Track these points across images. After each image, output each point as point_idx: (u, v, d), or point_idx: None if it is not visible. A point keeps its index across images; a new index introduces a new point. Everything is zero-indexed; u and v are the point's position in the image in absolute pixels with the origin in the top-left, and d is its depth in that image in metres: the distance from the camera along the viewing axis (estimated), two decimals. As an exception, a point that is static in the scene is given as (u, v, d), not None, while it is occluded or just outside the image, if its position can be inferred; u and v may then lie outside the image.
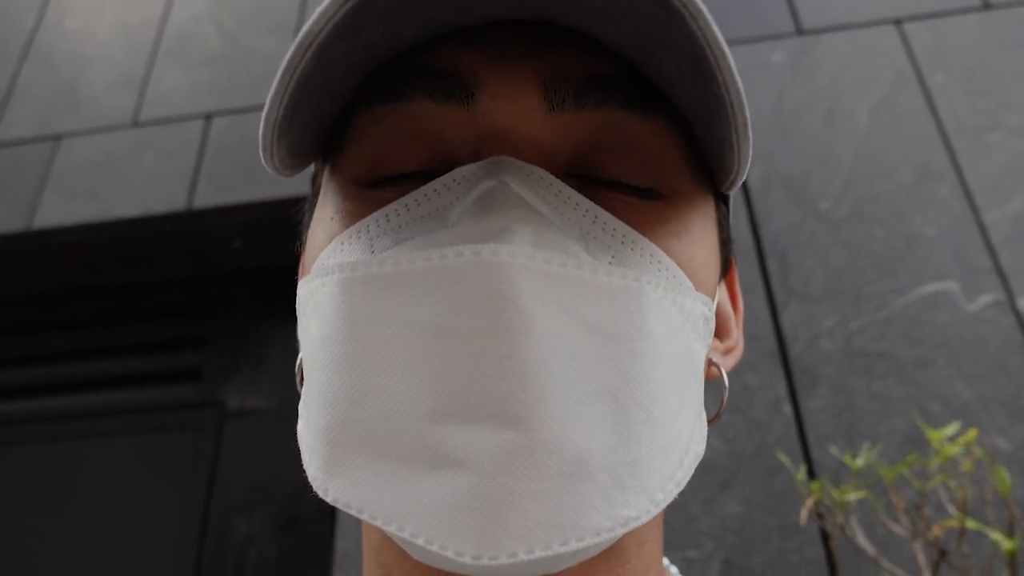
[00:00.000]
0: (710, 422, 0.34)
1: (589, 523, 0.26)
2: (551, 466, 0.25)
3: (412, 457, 0.26)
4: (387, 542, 0.34)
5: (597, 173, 0.31)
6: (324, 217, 0.34)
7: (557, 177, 0.30)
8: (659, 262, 0.30)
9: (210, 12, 1.72)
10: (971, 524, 0.74)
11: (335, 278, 0.28)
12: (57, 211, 1.47)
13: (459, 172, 0.29)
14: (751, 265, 1.19)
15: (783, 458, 0.96)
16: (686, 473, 0.29)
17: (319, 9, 0.27)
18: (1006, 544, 0.70)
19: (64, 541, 1.33)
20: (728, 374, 0.37)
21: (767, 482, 1.03)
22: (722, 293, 0.39)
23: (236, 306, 1.50)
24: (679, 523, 1.02)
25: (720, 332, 0.38)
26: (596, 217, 0.29)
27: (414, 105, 0.31)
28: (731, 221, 1.18)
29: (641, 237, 0.30)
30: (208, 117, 1.54)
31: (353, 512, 0.27)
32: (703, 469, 1.05)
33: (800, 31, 1.42)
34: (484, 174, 0.29)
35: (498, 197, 0.28)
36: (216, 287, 1.54)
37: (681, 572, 0.99)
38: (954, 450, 0.78)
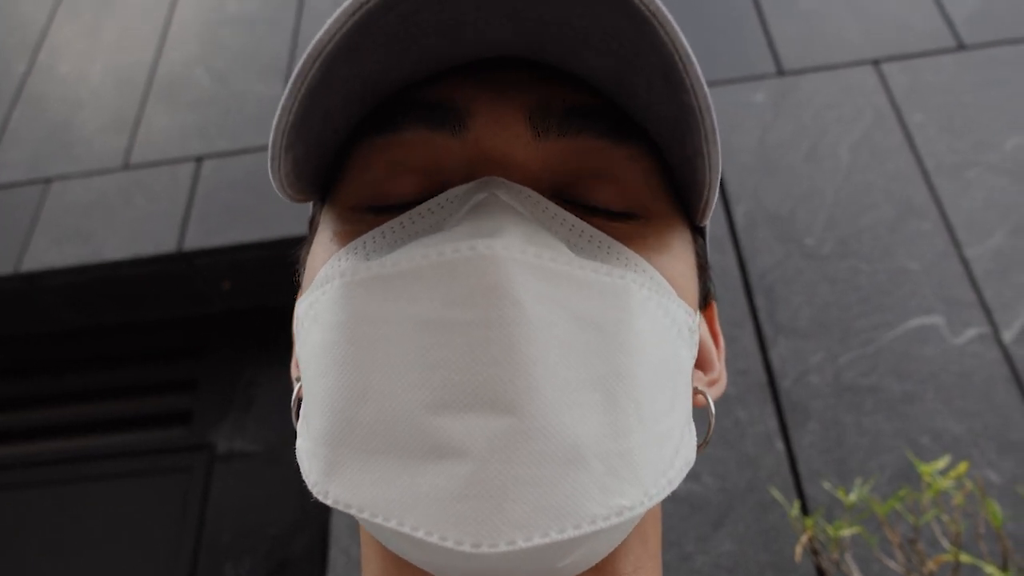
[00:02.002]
0: (699, 447, 0.35)
1: (586, 511, 0.26)
2: (547, 452, 0.26)
3: (411, 451, 0.27)
4: (387, 568, 0.34)
5: (579, 198, 0.33)
6: (323, 240, 0.35)
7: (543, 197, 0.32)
8: (643, 269, 0.31)
9: (201, 55, 1.74)
10: (965, 558, 0.74)
11: (335, 284, 0.30)
12: (47, 254, 1.47)
13: (453, 191, 0.31)
14: (739, 301, 1.20)
15: (776, 494, 0.96)
16: (678, 473, 0.30)
17: (327, 22, 0.28)
18: (1000, 578, 0.70)
19: (48, 590, 1.30)
20: (714, 403, 0.38)
21: (760, 518, 1.02)
22: (703, 328, 0.40)
23: (226, 347, 1.50)
24: (673, 562, 1.01)
25: (703, 365, 0.39)
26: (582, 231, 0.31)
27: (410, 135, 0.33)
28: (718, 259, 1.19)
29: (624, 247, 0.31)
30: (199, 160, 1.55)
31: (354, 512, 0.28)
32: (695, 506, 1.05)
33: (781, 72, 1.45)
34: (476, 189, 0.30)
35: (490, 205, 0.29)
36: (206, 329, 1.53)
37: (677, 612, 0.98)
38: (946, 484, 0.78)
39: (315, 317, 0.31)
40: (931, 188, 1.27)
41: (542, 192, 0.32)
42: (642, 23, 0.27)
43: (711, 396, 0.38)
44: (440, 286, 0.27)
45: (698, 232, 0.38)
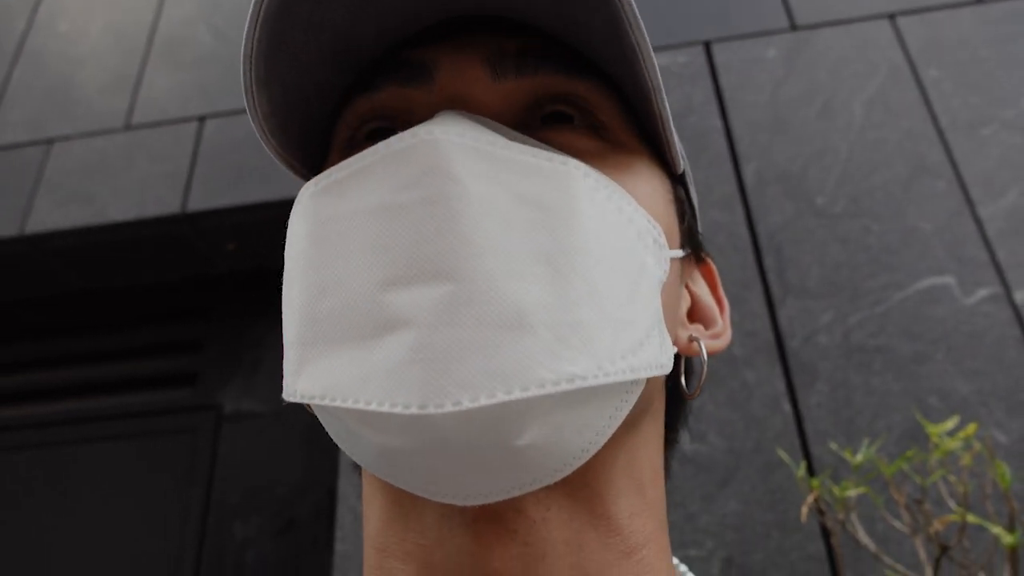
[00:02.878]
0: (690, 396, 0.38)
1: (533, 374, 0.26)
2: (491, 316, 0.27)
3: (365, 331, 0.28)
4: (385, 524, 0.35)
5: (544, 121, 0.35)
6: None
7: None
8: (600, 181, 0.32)
9: (201, 14, 1.71)
10: (972, 518, 0.74)
11: (304, 198, 0.32)
12: (50, 215, 1.46)
13: (415, 127, 0.32)
14: (748, 261, 1.19)
15: (783, 455, 0.96)
16: (644, 366, 0.30)
17: None
18: (1007, 538, 0.70)
19: (62, 546, 1.32)
20: (711, 358, 0.39)
21: (766, 479, 1.02)
22: (701, 287, 0.41)
23: (231, 309, 1.50)
24: (679, 521, 1.02)
25: (705, 322, 0.40)
26: (537, 146, 0.32)
27: (385, 92, 0.35)
28: (726, 217, 1.17)
29: (583, 163, 0.32)
30: (201, 119, 1.53)
31: (318, 401, 0.29)
32: (701, 466, 1.05)
33: (794, 27, 1.42)
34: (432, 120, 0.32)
35: (439, 115, 0.31)
36: (210, 290, 1.53)
37: (682, 570, 0.98)
38: (954, 444, 0.78)
39: (289, 235, 0.33)
40: (945, 146, 1.24)
41: (508, 125, 0.34)
42: None
43: (710, 347, 0.38)
44: (389, 175, 0.29)
45: (677, 181, 0.39)
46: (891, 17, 1.39)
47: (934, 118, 1.27)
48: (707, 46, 1.42)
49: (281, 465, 1.32)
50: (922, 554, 0.80)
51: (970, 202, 1.18)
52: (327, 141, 0.39)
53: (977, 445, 0.81)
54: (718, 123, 1.32)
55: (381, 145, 0.29)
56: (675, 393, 0.40)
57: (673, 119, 1.27)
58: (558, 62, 0.35)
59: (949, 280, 1.13)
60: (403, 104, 0.35)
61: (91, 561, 1.29)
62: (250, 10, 0.31)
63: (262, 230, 1.43)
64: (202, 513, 1.30)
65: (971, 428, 0.78)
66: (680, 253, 0.36)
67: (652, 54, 0.32)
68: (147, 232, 1.44)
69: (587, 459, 0.30)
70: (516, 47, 0.35)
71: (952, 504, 0.82)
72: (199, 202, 1.42)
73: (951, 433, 0.82)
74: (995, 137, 1.23)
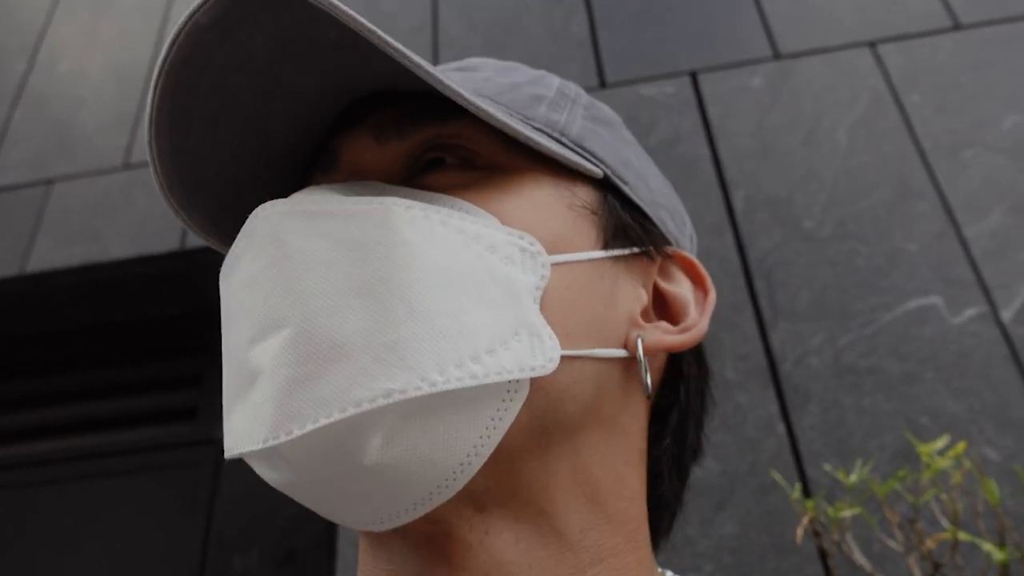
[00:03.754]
0: (648, 399, 0.38)
1: (351, 396, 0.29)
2: (313, 351, 0.30)
3: (243, 387, 0.32)
4: (364, 551, 0.37)
5: (423, 170, 0.38)
6: None
7: None
8: (442, 201, 0.35)
9: (199, 53, 1.74)
10: (963, 536, 0.75)
11: (220, 287, 0.36)
12: (51, 254, 1.48)
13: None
14: (739, 285, 1.21)
15: (777, 477, 0.97)
16: (490, 371, 0.31)
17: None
18: (998, 555, 0.71)
19: (61, 585, 1.32)
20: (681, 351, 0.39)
21: (761, 501, 1.03)
22: (676, 282, 0.41)
23: (230, 343, 1.51)
24: (677, 545, 1.02)
25: (674, 316, 0.40)
26: (389, 189, 0.36)
27: (313, 181, 0.40)
28: (717, 244, 1.19)
29: (430, 192, 0.36)
30: (199, 156, 1.56)
31: (230, 455, 0.33)
32: (698, 490, 1.06)
33: (778, 55, 1.45)
34: None
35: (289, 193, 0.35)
36: (209, 325, 1.54)
37: (680, 594, 0.99)
38: (944, 463, 0.79)
39: None
40: (928, 169, 1.27)
41: (393, 181, 0.38)
42: (354, 36, 0.33)
43: (674, 342, 0.38)
44: (247, 249, 0.33)
45: (603, 186, 0.40)
46: (872, 45, 1.43)
47: (917, 142, 1.30)
48: (693, 76, 1.45)
49: (280, 497, 1.32)
50: (916, 573, 0.81)
51: (955, 223, 1.21)
52: None
53: (967, 463, 0.83)
54: (706, 151, 1.35)
55: (243, 228, 0.34)
56: (661, 400, 0.40)
57: (662, 148, 1.30)
58: (431, 115, 0.38)
59: (936, 300, 1.15)
60: None
61: (92, 598, 1.29)
62: (147, 150, 0.36)
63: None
64: (202, 546, 1.30)
65: (960, 446, 0.79)
66: (597, 254, 0.37)
67: (441, 78, 0.33)
68: (147, 269, 1.45)
69: (472, 474, 0.31)
70: (393, 113, 0.38)
71: (944, 522, 0.83)
72: (197, 239, 1.43)
73: (941, 452, 0.84)
74: (977, 159, 1.26)
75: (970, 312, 1.13)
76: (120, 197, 1.54)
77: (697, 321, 0.39)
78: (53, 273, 1.46)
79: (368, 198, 0.33)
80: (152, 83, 0.34)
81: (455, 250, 0.32)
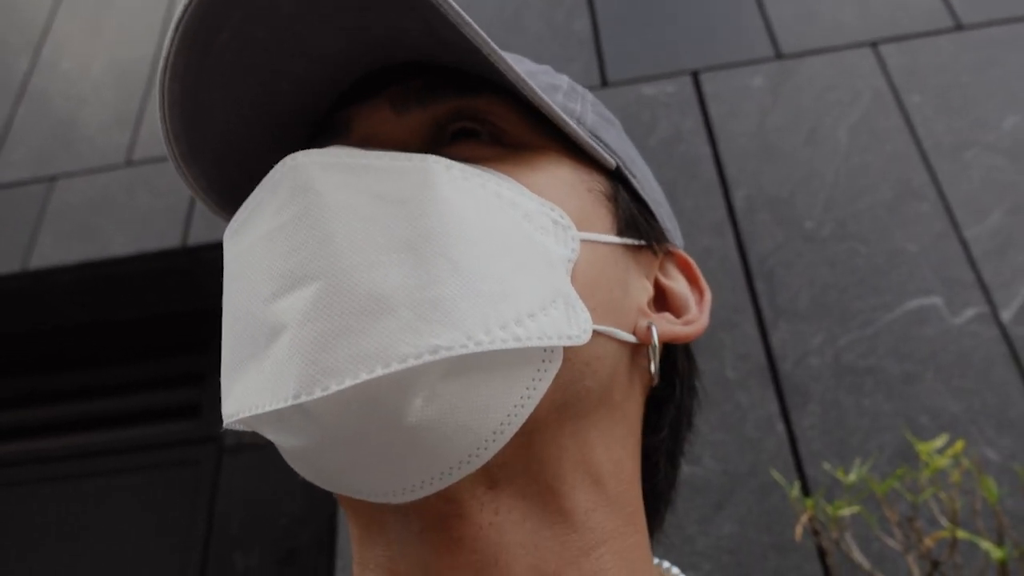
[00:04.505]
0: (651, 383, 0.38)
1: (395, 351, 0.28)
2: (353, 306, 0.28)
3: (260, 344, 0.30)
4: (359, 540, 0.36)
5: (451, 139, 0.37)
6: None
7: None
8: (463, 167, 0.33)
9: (201, 52, 1.75)
10: (962, 534, 0.75)
11: (224, 242, 0.35)
12: (53, 251, 1.48)
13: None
14: (739, 286, 1.21)
15: (777, 476, 0.97)
16: (536, 335, 0.30)
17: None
18: (996, 553, 0.72)
19: (63, 581, 1.32)
20: (677, 343, 0.40)
21: (761, 500, 1.04)
22: (675, 279, 0.41)
23: (232, 340, 1.51)
24: (676, 544, 1.02)
25: (675, 311, 0.40)
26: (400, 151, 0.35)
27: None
28: (718, 243, 1.19)
29: (467, 164, 0.34)
30: (201, 154, 1.56)
31: (235, 419, 0.31)
32: (697, 489, 1.06)
33: (780, 55, 1.45)
34: None
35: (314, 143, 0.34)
36: (212, 323, 1.54)
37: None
38: (943, 462, 0.79)
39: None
40: (929, 169, 1.27)
41: (415, 149, 0.36)
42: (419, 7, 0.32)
43: (679, 333, 0.38)
44: (269, 203, 0.32)
45: (614, 177, 0.40)
46: (873, 45, 1.43)
47: (918, 142, 1.30)
48: (695, 76, 1.45)
49: (282, 496, 1.33)
50: (915, 571, 0.81)
51: (955, 224, 1.21)
52: None
53: (966, 462, 0.83)
54: (707, 151, 1.35)
55: (263, 180, 0.33)
56: (657, 393, 0.40)
57: (663, 147, 1.30)
58: (457, 87, 0.37)
59: (936, 300, 1.15)
60: None
61: (93, 595, 1.30)
62: (156, 95, 0.35)
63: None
64: (203, 544, 1.30)
65: (959, 445, 0.79)
66: (613, 239, 0.37)
67: (503, 55, 0.33)
68: (149, 266, 1.46)
69: (505, 442, 0.30)
70: (414, 84, 0.37)
71: (943, 521, 0.83)
72: (200, 236, 1.44)
73: (940, 451, 0.84)
74: (977, 160, 1.26)
75: (970, 312, 1.13)
76: (122, 194, 1.54)
77: (698, 316, 0.40)
78: (55, 270, 1.46)
79: (408, 155, 0.32)
80: (174, 23, 0.32)
81: (494, 213, 0.32)
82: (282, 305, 0.29)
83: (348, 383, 0.27)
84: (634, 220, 0.39)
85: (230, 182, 0.39)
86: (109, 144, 1.64)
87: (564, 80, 0.42)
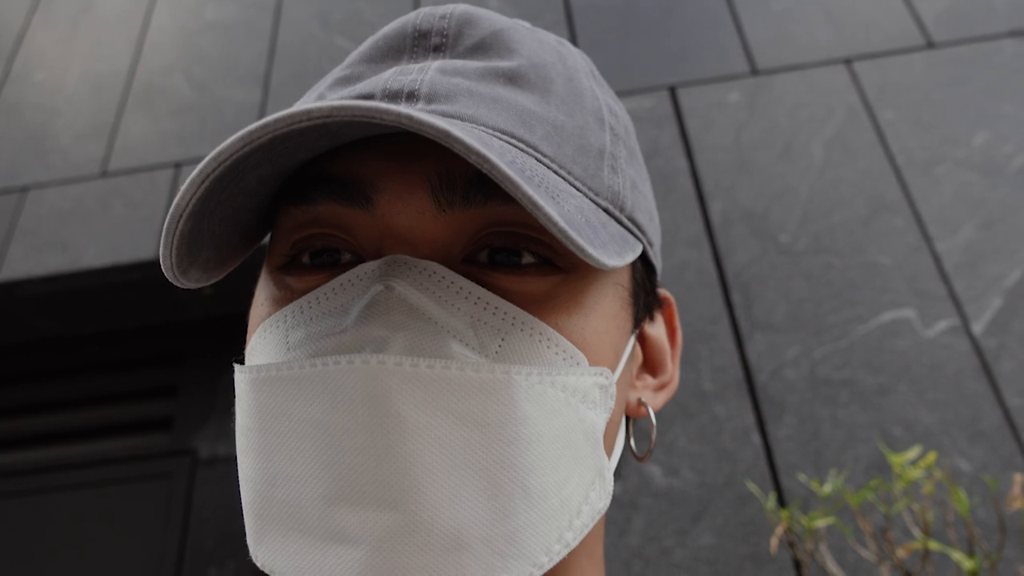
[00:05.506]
0: (640, 459, 0.39)
1: None
2: (431, 542, 0.29)
3: (316, 533, 0.30)
4: None
5: (492, 258, 0.34)
6: (257, 302, 0.38)
7: (452, 269, 0.33)
8: (548, 339, 0.33)
9: (179, 63, 1.74)
10: (934, 545, 0.76)
11: (247, 377, 0.33)
12: (25, 262, 1.46)
13: (360, 269, 0.33)
14: (716, 298, 1.22)
15: (753, 488, 0.97)
16: (577, 533, 0.32)
17: (191, 176, 0.29)
18: (967, 564, 0.72)
19: (31, 599, 1.29)
20: (656, 411, 0.40)
21: (738, 511, 1.04)
22: (657, 328, 0.42)
23: (206, 354, 1.50)
24: (654, 556, 1.02)
25: (654, 368, 0.41)
26: (487, 303, 0.32)
27: (323, 209, 0.34)
28: (694, 256, 1.20)
29: (531, 317, 0.33)
30: (177, 166, 1.55)
31: None
32: (675, 501, 1.06)
33: (755, 71, 1.47)
34: (378, 275, 0.32)
35: (382, 304, 0.31)
36: (186, 335, 1.53)
37: (657, 605, 0.99)
38: (916, 474, 0.80)
39: (238, 396, 0.34)
40: (902, 184, 1.29)
41: (453, 262, 0.33)
42: None
43: (656, 403, 0.40)
44: (328, 394, 0.30)
45: (641, 259, 0.40)
46: (847, 62, 1.45)
47: (891, 158, 1.32)
48: (672, 91, 1.47)
49: (256, 509, 1.31)
50: (889, 582, 0.81)
51: (927, 238, 1.23)
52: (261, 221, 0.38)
53: (938, 473, 0.84)
54: (684, 164, 1.37)
55: (319, 360, 0.30)
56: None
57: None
58: (503, 191, 0.32)
59: (909, 313, 1.16)
60: (342, 222, 0.34)
61: (61, 613, 1.27)
62: (164, 234, 0.30)
63: (238, 275, 1.43)
64: (177, 559, 1.28)
65: (931, 457, 0.80)
66: (631, 342, 0.37)
67: (563, 227, 0.28)
68: (123, 278, 1.44)
69: None
70: (465, 173, 0.32)
71: (916, 532, 0.84)
72: (175, 247, 1.43)
73: (913, 463, 0.85)
74: (949, 175, 1.28)
75: (942, 325, 1.15)
76: (96, 205, 1.53)
77: (672, 375, 0.41)
78: (26, 281, 1.44)
79: (490, 365, 0.30)
80: (203, 169, 0.28)
81: (560, 414, 0.32)
82: (350, 518, 0.29)
83: None
84: (645, 296, 0.40)
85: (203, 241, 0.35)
86: (83, 155, 1.62)
87: (604, 121, 0.38)
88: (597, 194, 0.35)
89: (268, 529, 0.32)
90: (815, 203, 1.29)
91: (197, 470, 1.37)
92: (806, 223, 1.27)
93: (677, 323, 0.43)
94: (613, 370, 0.35)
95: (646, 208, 0.40)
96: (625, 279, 0.38)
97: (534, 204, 0.27)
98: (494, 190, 0.32)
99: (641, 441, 0.47)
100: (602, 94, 0.40)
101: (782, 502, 1.03)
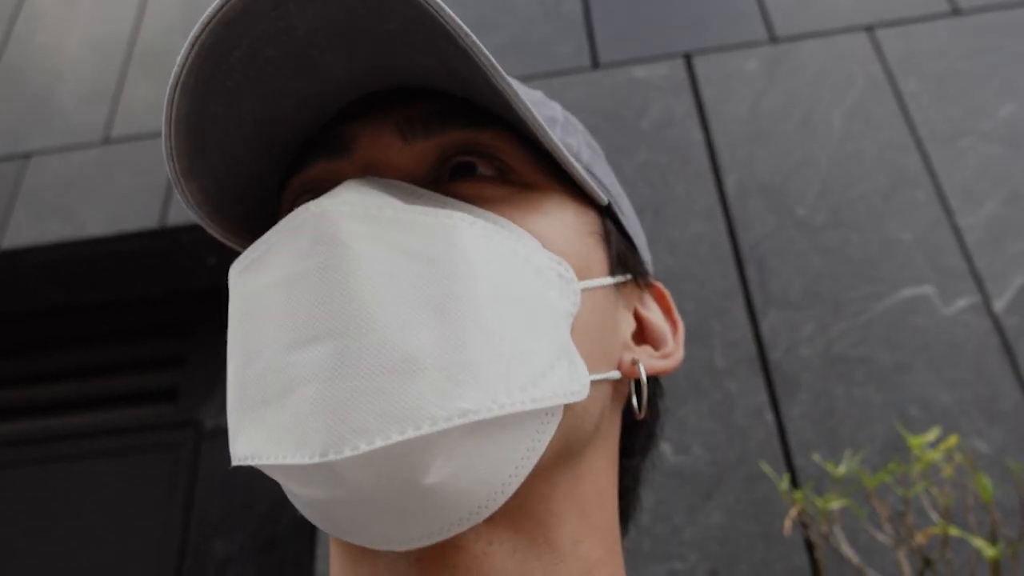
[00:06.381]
0: (639, 417, 0.38)
1: (425, 413, 0.28)
2: (382, 364, 0.28)
3: (278, 392, 0.30)
4: (341, 571, 0.37)
5: (452, 175, 0.37)
6: None
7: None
8: (497, 222, 0.34)
9: (182, 26, 1.70)
10: (954, 531, 0.74)
11: (232, 277, 0.35)
12: (28, 231, 1.44)
13: (310, 200, 0.35)
14: (730, 272, 1.19)
15: (766, 468, 0.96)
16: (548, 396, 0.31)
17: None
18: (989, 551, 0.70)
19: (41, 564, 1.30)
20: (658, 375, 0.41)
21: (750, 490, 1.02)
22: (652, 310, 0.43)
23: (212, 324, 1.48)
24: (664, 534, 1.01)
25: (655, 343, 0.42)
26: (436, 199, 0.35)
27: (315, 168, 0.38)
28: (707, 229, 1.17)
29: (482, 210, 0.35)
30: (181, 132, 1.52)
31: (250, 462, 0.31)
32: (685, 479, 1.04)
33: (774, 39, 1.43)
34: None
35: (342, 184, 0.34)
36: (191, 305, 1.51)
37: (666, 584, 0.98)
38: (935, 456, 0.78)
39: (229, 317, 0.36)
40: (924, 157, 1.25)
41: (418, 182, 0.37)
42: (426, 19, 0.31)
43: (657, 367, 0.40)
44: (288, 248, 0.32)
45: (604, 214, 0.41)
46: (869, 29, 1.40)
47: (913, 129, 1.28)
48: (688, 59, 1.42)
49: (262, 482, 1.30)
50: (905, 567, 0.80)
51: (949, 212, 1.19)
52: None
53: (958, 456, 0.81)
54: (699, 135, 1.33)
55: (281, 222, 0.32)
56: (630, 418, 0.41)
57: (654, 131, 1.27)
58: (463, 117, 0.37)
59: (929, 290, 1.13)
60: (330, 176, 0.37)
61: (69, 581, 1.27)
62: (164, 111, 0.33)
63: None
64: (183, 530, 1.28)
65: (952, 440, 0.78)
66: (608, 281, 0.38)
67: (522, 98, 0.33)
68: (126, 247, 1.42)
69: (512, 493, 0.31)
70: (422, 111, 0.37)
71: (934, 516, 0.82)
72: (179, 216, 1.41)
73: (932, 445, 0.83)
74: (973, 148, 1.25)
75: (962, 302, 1.12)
76: (99, 173, 1.50)
77: (675, 350, 0.42)
78: (29, 250, 1.42)
79: (432, 208, 0.32)
80: (191, 39, 0.31)
81: (513, 272, 0.32)
82: (303, 357, 0.29)
83: (379, 443, 0.28)
84: (622, 256, 0.41)
85: (225, 197, 0.38)
86: (86, 121, 1.59)
87: (558, 110, 0.42)
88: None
89: (244, 418, 0.32)
90: (834, 176, 1.25)
91: (202, 441, 1.36)
92: (824, 196, 1.24)
93: (674, 310, 0.44)
94: (578, 276, 0.35)
95: (614, 186, 0.43)
96: (592, 219, 0.40)
97: (494, 67, 0.31)
98: (451, 120, 0.37)
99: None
100: (561, 107, 0.43)
101: (795, 482, 1.01)
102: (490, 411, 0.29)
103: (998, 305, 1.11)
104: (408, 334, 0.29)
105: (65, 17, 1.79)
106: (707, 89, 1.38)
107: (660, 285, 0.45)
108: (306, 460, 0.28)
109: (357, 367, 0.28)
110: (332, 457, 0.28)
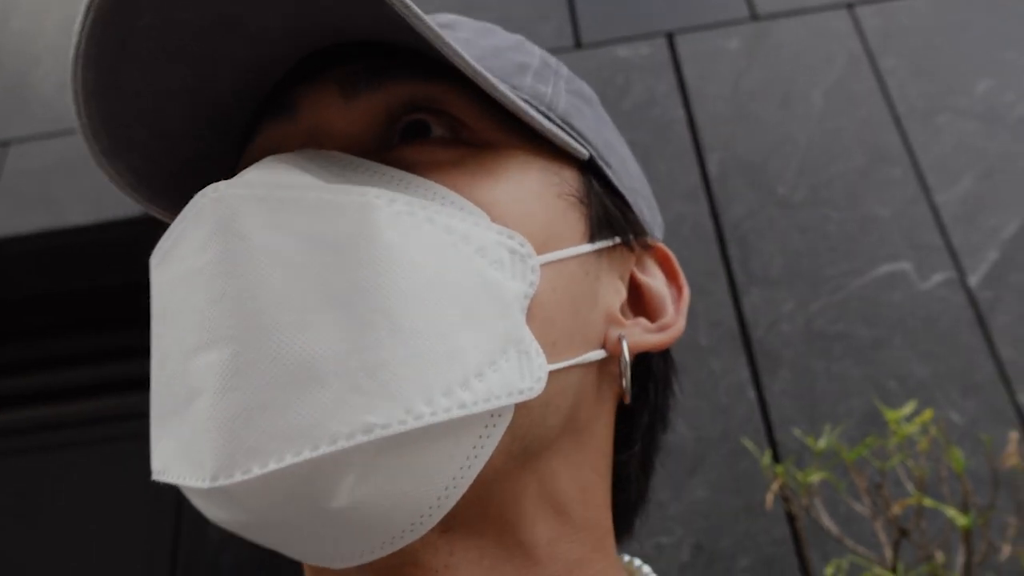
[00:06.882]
0: (626, 401, 0.35)
1: (324, 430, 0.25)
2: (277, 375, 0.25)
3: (181, 401, 0.28)
4: None
5: (402, 137, 0.34)
6: None
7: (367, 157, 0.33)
8: (435, 193, 0.31)
9: (159, 9, 1.68)
10: (928, 502, 0.77)
11: (151, 274, 0.32)
12: (8, 220, 1.43)
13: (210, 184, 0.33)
14: (712, 251, 1.21)
15: (748, 443, 0.98)
16: (479, 399, 0.27)
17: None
18: (961, 520, 0.73)
19: (34, 552, 1.30)
20: (658, 348, 0.37)
21: (733, 465, 1.05)
22: (652, 275, 0.39)
23: (198, 310, 1.48)
24: (651, 510, 1.03)
25: (651, 312, 0.38)
26: (367, 167, 0.31)
27: (261, 137, 0.35)
28: (691, 209, 1.18)
29: (419, 177, 0.31)
30: (161, 118, 1.51)
31: (159, 478, 0.29)
32: (671, 455, 1.07)
33: (755, 16, 1.43)
34: None
35: (258, 163, 0.31)
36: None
37: (653, 559, 1.00)
38: (911, 429, 0.80)
39: None
40: (902, 134, 1.27)
41: (366, 149, 0.33)
42: None
43: (654, 341, 0.36)
44: (190, 238, 0.29)
45: (587, 169, 0.37)
46: (849, 6, 1.41)
47: (891, 106, 1.29)
48: (670, 37, 1.43)
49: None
50: (882, 536, 0.82)
51: (926, 189, 1.21)
52: None
53: (933, 430, 0.84)
54: (681, 114, 1.34)
55: (185, 208, 0.29)
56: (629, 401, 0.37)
57: (637, 111, 1.27)
58: (407, 69, 0.33)
59: (906, 266, 1.16)
60: (278, 141, 0.35)
61: (64, 568, 1.28)
62: (69, 84, 0.31)
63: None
64: (175, 517, 1.29)
65: (927, 414, 0.80)
66: (585, 248, 0.34)
67: (447, 40, 0.29)
68: (108, 235, 1.42)
69: (451, 505, 0.28)
70: (364, 66, 0.34)
71: (910, 487, 0.84)
72: (162, 203, 1.40)
73: (908, 419, 0.85)
74: (950, 125, 1.26)
75: (938, 277, 1.14)
76: (79, 161, 1.49)
77: (675, 319, 0.37)
78: (10, 239, 1.41)
79: (343, 186, 0.28)
80: (85, 5, 0.28)
81: (443, 253, 0.28)
82: (199, 363, 0.27)
83: (272, 466, 0.25)
84: (608, 216, 0.36)
85: (165, 172, 0.36)
86: (66, 107, 1.58)
87: (536, 55, 0.38)
88: (515, 88, 0.34)
89: (157, 429, 0.29)
90: (814, 153, 1.27)
91: (193, 427, 1.37)
92: (804, 174, 1.25)
93: (680, 274, 0.40)
94: (540, 249, 0.31)
95: (602, 137, 0.38)
96: (568, 177, 0.35)
97: (404, 5, 0.27)
98: (392, 74, 0.33)
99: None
100: (543, 52, 0.40)
101: (776, 457, 1.04)
102: (403, 424, 0.25)
103: (973, 280, 1.13)
104: (308, 337, 0.26)
105: (40, 1, 1.76)
106: (689, 68, 1.38)
107: (663, 246, 0.40)
108: (198, 484, 0.25)
109: (250, 377, 0.25)
110: (222, 482, 0.25)
